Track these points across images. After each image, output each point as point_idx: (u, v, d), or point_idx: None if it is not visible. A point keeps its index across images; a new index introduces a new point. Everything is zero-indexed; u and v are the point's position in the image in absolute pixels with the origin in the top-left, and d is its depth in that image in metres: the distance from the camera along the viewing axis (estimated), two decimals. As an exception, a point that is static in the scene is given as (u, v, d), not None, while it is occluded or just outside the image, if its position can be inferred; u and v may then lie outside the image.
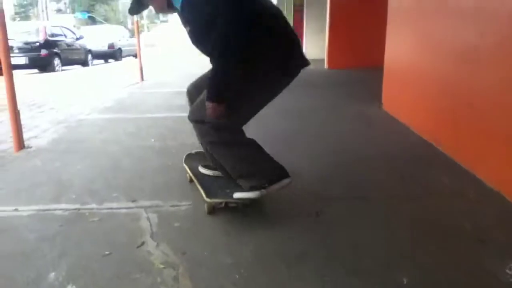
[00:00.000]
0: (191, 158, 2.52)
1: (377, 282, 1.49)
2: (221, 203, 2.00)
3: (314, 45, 10.93)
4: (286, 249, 1.71)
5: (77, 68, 13.47)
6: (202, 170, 2.27)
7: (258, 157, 1.93)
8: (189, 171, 2.34)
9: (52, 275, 1.57)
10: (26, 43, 11.64)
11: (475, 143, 2.47)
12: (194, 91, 2.16)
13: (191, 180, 2.34)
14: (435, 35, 3.11)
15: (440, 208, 2.06)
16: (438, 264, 1.59)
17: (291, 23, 15.26)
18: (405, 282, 1.48)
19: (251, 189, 1.88)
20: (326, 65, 8.82)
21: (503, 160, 2.18)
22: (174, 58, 15.10)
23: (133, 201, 2.20)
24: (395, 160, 2.79)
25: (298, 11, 13.97)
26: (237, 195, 1.91)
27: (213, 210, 2.02)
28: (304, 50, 11.38)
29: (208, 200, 1.96)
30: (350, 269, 1.57)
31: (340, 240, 1.78)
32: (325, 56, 8.93)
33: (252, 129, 2.15)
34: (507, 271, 1.52)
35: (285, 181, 1.91)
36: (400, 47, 3.96)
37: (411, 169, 2.61)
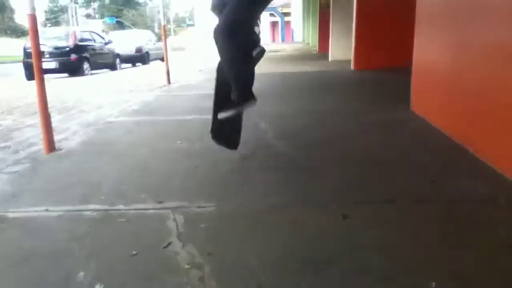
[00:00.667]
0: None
1: None
2: None
3: (341, 46, 10.83)
4: (313, 253, 1.70)
5: (106, 72, 13.75)
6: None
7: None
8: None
9: (81, 274, 1.60)
10: (57, 48, 12.00)
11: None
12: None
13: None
14: (468, 33, 3.04)
15: (472, 214, 2.01)
16: (471, 272, 1.55)
17: (317, 24, 15.17)
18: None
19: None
20: (352, 66, 8.74)
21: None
22: (200, 61, 15.24)
23: (160, 202, 2.22)
24: (425, 164, 2.73)
25: (324, 12, 13.89)
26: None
27: None
28: (329, 51, 11.33)
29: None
30: (378, 275, 1.54)
31: (368, 244, 1.75)
32: (351, 57, 8.85)
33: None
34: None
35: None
36: (430, 46, 3.88)
37: (441, 173, 2.54)
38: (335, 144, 3.23)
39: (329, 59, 11.41)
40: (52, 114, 3.31)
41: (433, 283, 1.46)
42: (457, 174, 2.51)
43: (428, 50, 3.95)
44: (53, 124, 3.40)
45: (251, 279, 1.53)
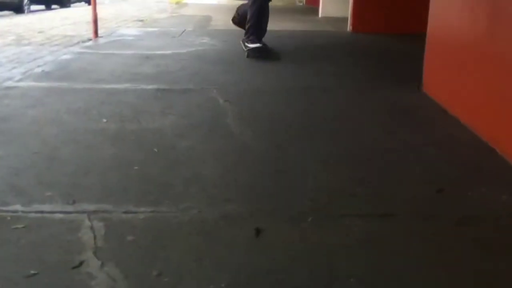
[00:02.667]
0: None
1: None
2: None
3: (335, -1, 10.94)
4: (276, 283, 1.73)
5: (8, 15, 13.39)
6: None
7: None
8: None
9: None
10: None
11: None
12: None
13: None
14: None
15: (493, 234, 2.08)
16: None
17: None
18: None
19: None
20: (349, 27, 8.82)
21: None
22: (142, 9, 15.04)
23: (73, 203, 2.21)
24: (438, 168, 2.79)
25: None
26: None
27: None
28: (320, 5, 11.44)
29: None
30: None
31: (351, 279, 1.79)
32: (349, 14, 8.91)
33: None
34: None
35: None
36: (453, 11, 3.95)
37: (458, 180, 2.61)
38: (319, 137, 3.27)
39: (319, 15, 11.48)
40: None
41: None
42: (479, 184, 2.56)
43: (449, 15, 4.02)
44: None
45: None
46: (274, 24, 9.56)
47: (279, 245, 1.94)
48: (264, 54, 5.72)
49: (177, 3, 16.74)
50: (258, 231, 2.01)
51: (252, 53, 5.66)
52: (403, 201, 2.35)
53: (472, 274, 1.79)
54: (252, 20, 5.69)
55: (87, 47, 6.83)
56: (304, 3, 16.97)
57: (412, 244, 1.98)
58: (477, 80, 3.41)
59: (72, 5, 17.60)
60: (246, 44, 5.75)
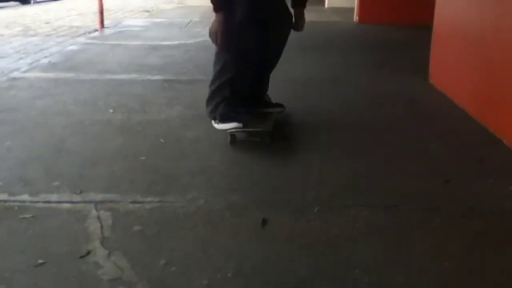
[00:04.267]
0: None
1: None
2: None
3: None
4: (281, 274, 1.74)
5: (15, 6, 13.39)
6: None
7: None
8: None
9: (-36, 289, 1.60)
10: None
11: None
12: None
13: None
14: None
15: (499, 225, 2.09)
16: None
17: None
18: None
19: None
20: (356, 18, 8.80)
21: None
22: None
23: (80, 193, 2.23)
24: (441, 159, 2.80)
25: None
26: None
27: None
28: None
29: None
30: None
31: (356, 269, 1.80)
32: (355, 5, 8.89)
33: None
34: None
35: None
36: (459, 3, 3.94)
37: (461, 172, 2.61)
38: (325, 130, 3.28)
39: (325, 5, 11.45)
40: None
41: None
42: (483, 175, 2.56)
43: (457, 6, 4.01)
44: None
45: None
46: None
47: (285, 235, 1.96)
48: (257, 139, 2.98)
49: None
50: (264, 222, 2.02)
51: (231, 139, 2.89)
52: (409, 193, 2.36)
53: (478, 266, 1.80)
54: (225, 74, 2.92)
55: (93, 38, 6.85)
56: (311, -7, 16.91)
57: (405, 231, 2.00)
58: (483, 72, 3.41)
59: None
60: (213, 122, 2.97)
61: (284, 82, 3.99)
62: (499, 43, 3.15)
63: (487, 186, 2.43)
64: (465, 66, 3.71)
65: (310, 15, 10.01)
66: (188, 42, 6.35)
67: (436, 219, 2.11)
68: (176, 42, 6.30)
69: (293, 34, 3.06)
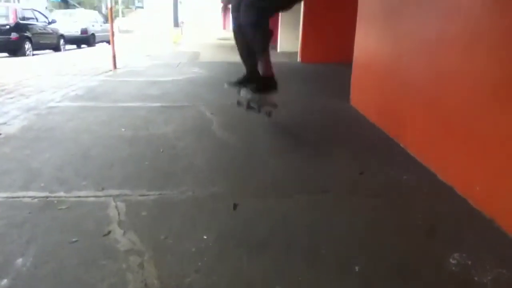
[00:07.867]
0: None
1: (334, 270, 1.59)
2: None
3: (289, 37, 11.01)
4: (247, 239, 1.79)
5: (49, 53, 13.18)
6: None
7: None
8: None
9: (19, 260, 1.60)
10: (-4, 26, 11.35)
11: (434, 141, 2.59)
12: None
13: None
14: (400, 30, 3.19)
15: (396, 202, 2.18)
16: (391, 253, 1.69)
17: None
18: (357, 270, 1.58)
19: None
20: (299, 59, 8.92)
21: (458, 158, 2.30)
22: (149, 46, 14.93)
23: (102, 189, 2.23)
24: (357, 154, 2.88)
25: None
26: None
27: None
28: (278, 43, 11.46)
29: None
30: (308, 258, 1.66)
31: (299, 231, 1.86)
32: (298, 49, 9.02)
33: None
34: (451, 260, 1.64)
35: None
36: (367, 41, 4.06)
37: (371, 164, 2.70)
38: (279, 134, 3.34)
39: (278, 50, 11.56)
40: (-11, 98, 3.19)
41: (357, 267, 1.59)
42: (386, 166, 2.66)
43: (365, 45, 4.13)
44: (-9, 108, 3.28)
45: (189, 265, 1.60)
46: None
47: (250, 213, 2.01)
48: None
49: (174, 42, 16.65)
50: (235, 206, 2.07)
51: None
52: (335, 181, 2.43)
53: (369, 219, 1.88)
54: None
55: (109, 76, 6.79)
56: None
57: (337, 208, 2.07)
58: (382, 94, 3.55)
59: (96, 44, 17.37)
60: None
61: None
62: (391, 72, 3.27)
63: (389, 174, 2.52)
64: (372, 90, 3.83)
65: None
66: (179, 78, 6.34)
67: (355, 198, 2.20)
68: (170, 78, 6.30)
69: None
